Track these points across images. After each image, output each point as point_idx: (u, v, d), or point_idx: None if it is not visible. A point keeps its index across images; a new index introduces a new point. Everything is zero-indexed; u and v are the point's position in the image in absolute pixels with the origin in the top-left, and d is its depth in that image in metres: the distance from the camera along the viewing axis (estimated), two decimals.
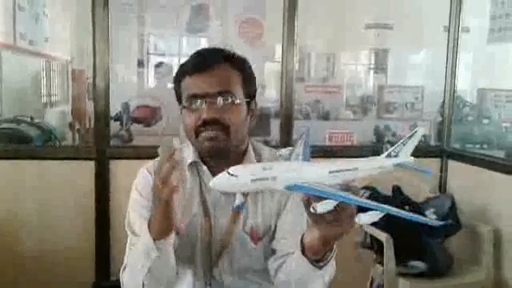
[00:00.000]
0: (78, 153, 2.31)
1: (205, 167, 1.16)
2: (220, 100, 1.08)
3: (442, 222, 0.76)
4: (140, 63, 3.09)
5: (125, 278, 1.10)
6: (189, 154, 1.17)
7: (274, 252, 1.17)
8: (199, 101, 1.08)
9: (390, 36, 3.40)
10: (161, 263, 1.02)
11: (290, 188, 0.75)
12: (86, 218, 2.24)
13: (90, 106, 2.68)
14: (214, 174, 1.08)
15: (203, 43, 3.21)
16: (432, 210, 2.19)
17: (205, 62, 1.11)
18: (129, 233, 1.13)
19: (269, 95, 3.22)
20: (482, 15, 2.88)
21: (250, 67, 1.17)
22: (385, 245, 2.04)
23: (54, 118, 2.87)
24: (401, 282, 2.04)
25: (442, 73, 2.74)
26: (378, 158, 0.86)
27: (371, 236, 2.17)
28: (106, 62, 2.25)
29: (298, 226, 1.10)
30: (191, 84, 1.10)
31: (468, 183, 2.47)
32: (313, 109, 3.20)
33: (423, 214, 2.19)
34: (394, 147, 0.86)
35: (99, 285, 2.12)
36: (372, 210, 0.74)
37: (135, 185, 1.18)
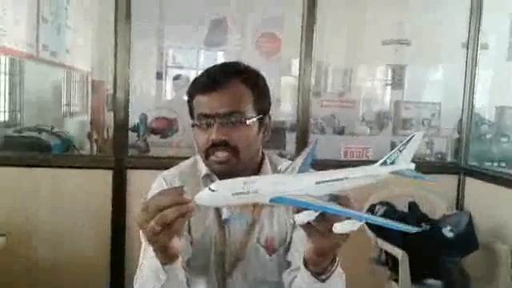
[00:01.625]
0: (96, 162, 2.37)
1: (218, 180, 1.17)
2: (230, 120, 1.07)
3: (416, 229, 0.75)
4: (159, 75, 3.16)
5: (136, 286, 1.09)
6: (202, 166, 1.19)
7: (289, 265, 1.17)
8: (209, 120, 1.08)
9: (407, 52, 3.41)
10: (171, 283, 0.99)
11: (274, 200, 0.75)
12: (102, 227, 2.28)
13: (108, 117, 2.76)
14: None
15: (221, 57, 3.26)
16: (449, 227, 2.18)
17: (215, 80, 1.10)
18: (142, 240, 1.13)
19: (285, 109, 3.25)
20: (501, 32, 2.89)
21: (263, 81, 1.17)
22: (400, 262, 2.03)
23: (73, 127, 2.94)
24: None
25: (460, 89, 2.74)
26: (372, 166, 0.84)
27: (386, 252, 2.17)
28: (127, 73, 2.32)
29: None
30: (202, 103, 1.10)
31: (485, 201, 2.46)
32: (328, 123, 3.22)
33: (440, 232, 2.19)
34: (388, 155, 0.84)
35: None
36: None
37: (151, 191, 1.19)
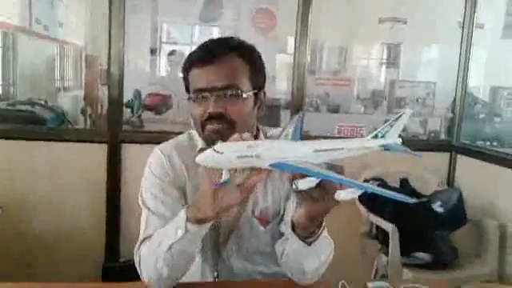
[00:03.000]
0: (92, 136, 2.40)
1: None
2: (226, 93, 1.08)
3: (414, 200, 0.79)
4: (153, 51, 3.17)
5: (144, 251, 1.09)
6: (198, 139, 1.21)
7: (282, 235, 1.20)
8: (206, 94, 1.09)
9: (403, 30, 3.44)
10: (183, 245, 1.00)
11: (274, 166, 0.77)
12: (97, 199, 2.32)
13: (102, 92, 2.78)
14: None
15: (216, 32, 3.27)
16: (439, 202, 2.25)
17: (212, 53, 1.10)
18: (143, 208, 1.17)
19: (279, 87, 3.28)
20: (497, 11, 2.92)
21: (259, 57, 1.17)
22: (390, 235, 2.11)
23: (67, 102, 2.96)
24: (405, 273, 2.10)
25: (455, 69, 2.78)
26: (364, 138, 0.88)
27: (377, 226, 2.24)
28: (121, 48, 2.32)
29: None
30: (198, 76, 1.11)
31: (476, 178, 2.53)
32: (323, 101, 3.26)
33: (431, 207, 2.26)
34: (380, 129, 0.88)
35: (109, 266, 2.20)
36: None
37: (148, 163, 1.22)
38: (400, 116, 0.88)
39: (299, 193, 0.85)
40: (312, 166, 0.78)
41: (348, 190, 0.78)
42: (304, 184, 0.79)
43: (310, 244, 1.02)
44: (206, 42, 1.16)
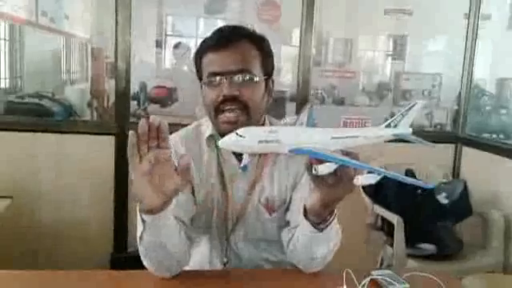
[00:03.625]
0: (99, 128, 2.45)
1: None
2: (240, 77, 1.13)
3: (431, 186, 0.83)
4: (158, 43, 3.19)
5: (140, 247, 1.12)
6: (206, 127, 1.25)
7: (287, 224, 1.25)
8: (220, 78, 1.13)
9: (409, 22, 3.43)
10: (150, 236, 1.01)
11: (293, 151, 0.81)
12: (105, 189, 2.37)
13: (108, 85, 2.81)
14: None
15: (221, 24, 3.28)
16: (444, 194, 2.28)
17: (227, 38, 1.15)
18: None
19: (285, 79, 3.29)
20: (503, 2, 2.92)
21: (268, 46, 1.22)
22: (395, 227, 2.14)
23: (73, 95, 2.99)
24: (410, 264, 2.14)
25: (461, 61, 2.79)
26: (377, 127, 0.93)
27: (382, 218, 2.27)
28: (128, 41, 2.36)
29: None
30: (213, 61, 1.15)
31: (481, 169, 2.55)
32: (328, 94, 3.27)
33: (436, 198, 2.29)
34: (393, 118, 0.92)
35: (117, 256, 2.25)
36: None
37: None
38: (412, 106, 0.93)
39: (316, 178, 0.89)
40: (330, 151, 0.82)
41: (367, 175, 0.82)
42: (324, 169, 0.82)
43: (321, 230, 1.06)
44: (220, 29, 1.21)
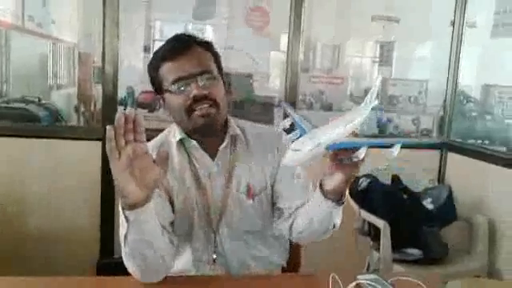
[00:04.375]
0: (86, 133, 2.45)
1: (194, 141, 1.28)
2: (204, 78, 1.21)
3: (399, 142, 0.92)
4: (146, 49, 3.20)
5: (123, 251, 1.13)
6: (175, 132, 1.29)
7: (281, 213, 1.32)
8: (186, 82, 1.20)
9: (396, 28, 3.49)
10: (134, 234, 1.03)
11: (329, 148, 0.94)
12: (92, 195, 2.37)
13: (95, 90, 2.81)
14: (202, 146, 1.26)
15: (209, 30, 3.31)
16: (430, 199, 2.33)
17: (182, 46, 1.22)
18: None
19: (273, 84, 3.32)
20: (487, 10, 2.98)
21: (215, 47, 1.31)
22: (382, 232, 2.18)
23: (60, 100, 2.99)
24: (396, 268, 2.17)
25: (446, 67, 2.85)
26: (358, 108, 1.06)
27: (369, 223, 2.31)
28: (116, 46, 2.37)
29: (297, 184, 1.32)
30: (173, 68, 1.21)
31: (466, 175, 2.61)
32: (316, 99, 3.31)
33: (421, 203, 2.33)
34: (368, 96, 1.08)
35: (103, 262, 2.24)
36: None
37: None
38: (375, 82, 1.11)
39: (341, 164, 1.02)
40: (353, 138, 0.98)
41: (394, 148, 0.94)
42: (362, 152, 0.94)
43: (342, 203, 1.17)
44: (169, 40, 1.28)
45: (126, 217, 1.01)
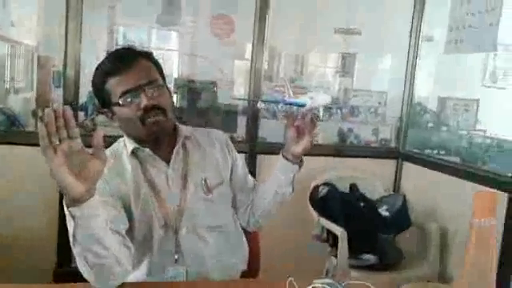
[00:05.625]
0: None
1: (147, 149, 1.34)
2: (152, 88, 1.27)
3: (302, 102, 1.39)
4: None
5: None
6: (124, 145, 1.36)
7: (240, 204, 1.51)
8: (134, 93, 1.26)
9: (358, 41, 3.63)
10: (82, 231, 1.03)
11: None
12: (50, 202, 2.35)
13: (54, 94, 2.79)
14: (156, 153, 1.33)
15: (174, 36, 3.34)
16: (385, 207, 2.44)
17: (127, 60, 1.28)
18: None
19: (237, 92, 3.38)
20: (443, 26, 3.15)
21: (155, 57, 1.37)
22: (339, 238, 2.27)
23: (18, 104, 2.94)
24: (352, 274, 2.26)
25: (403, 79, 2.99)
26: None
27: (328, 230, 2.39)
28: (78, 50, 2.38)
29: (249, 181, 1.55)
30: (121, 81, 1.26)
31: (420, 184, 2.74)
32: (280, 108, 3.39)
33: (377, 211, 2.44)
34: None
35: (60, 271, 2.23)
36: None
37: None
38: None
39: (300, 133, 1.37)
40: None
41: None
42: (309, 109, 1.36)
43: (301, 165, 1.43)
44: (114, 54, 1.34)
45: (71, 214, 1.00)
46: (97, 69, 1.31)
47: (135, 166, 1.34)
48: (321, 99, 1.38)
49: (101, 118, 2.97)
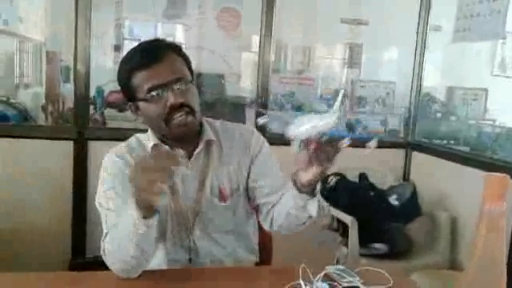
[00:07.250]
0: (58, 133, 2.48)
1: (166, 147, 1.32)
2: (180, 85, 1.22)
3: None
4: (116, 48, 3.23)
5: (108, 246, 1.17)
6: (147, 139, 1.34)
7: (260, 210, 1.40)
8: (162, 90, 1.21)
9: (364, 31, 3.64)
10: (146, 238, 1.10)
11: (325, 135, 1.05)
12: (63, 196, 2.41)
13: (63, 89, 2.84)
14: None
15: (179, 30, 3.37)
16: (395, 196, 2.47)
17: (156, 54, 1.22)
18: (101, 209, 1.28)
19: (244, 85, 3.41)
20: (452, 15, 3.16)
21: (184, 51, 1.31)
22: (349, 228, 2.30)
23: (27, 99, 2.99)
24: (363, 263, 2.30)
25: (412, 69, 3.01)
26: (328, 114, 1.11)
27: (338, 219, 2.43)
28: (87, 45, 2.41)
29: (273, 180, 1.38)
30: (148, 76, 1.21)
31: (429, 173, 2.77)
32: (287, 100, 3.42)
33: (387, 200, 2.47)
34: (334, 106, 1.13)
35: (76, 262, 2.28)
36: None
37: (104, 168, 1.31)
38: (338, 94, 1.15)
39: (318, 157, 1.07)
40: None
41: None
42: (343, 144, 1.04)
43: (315, 196, 1.21)
44: (141, 46, 1.28)
45: (147, 224, 1.07)
46: (124, 62, 1.27)
47: None
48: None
49: (109, 112, 3.02)
